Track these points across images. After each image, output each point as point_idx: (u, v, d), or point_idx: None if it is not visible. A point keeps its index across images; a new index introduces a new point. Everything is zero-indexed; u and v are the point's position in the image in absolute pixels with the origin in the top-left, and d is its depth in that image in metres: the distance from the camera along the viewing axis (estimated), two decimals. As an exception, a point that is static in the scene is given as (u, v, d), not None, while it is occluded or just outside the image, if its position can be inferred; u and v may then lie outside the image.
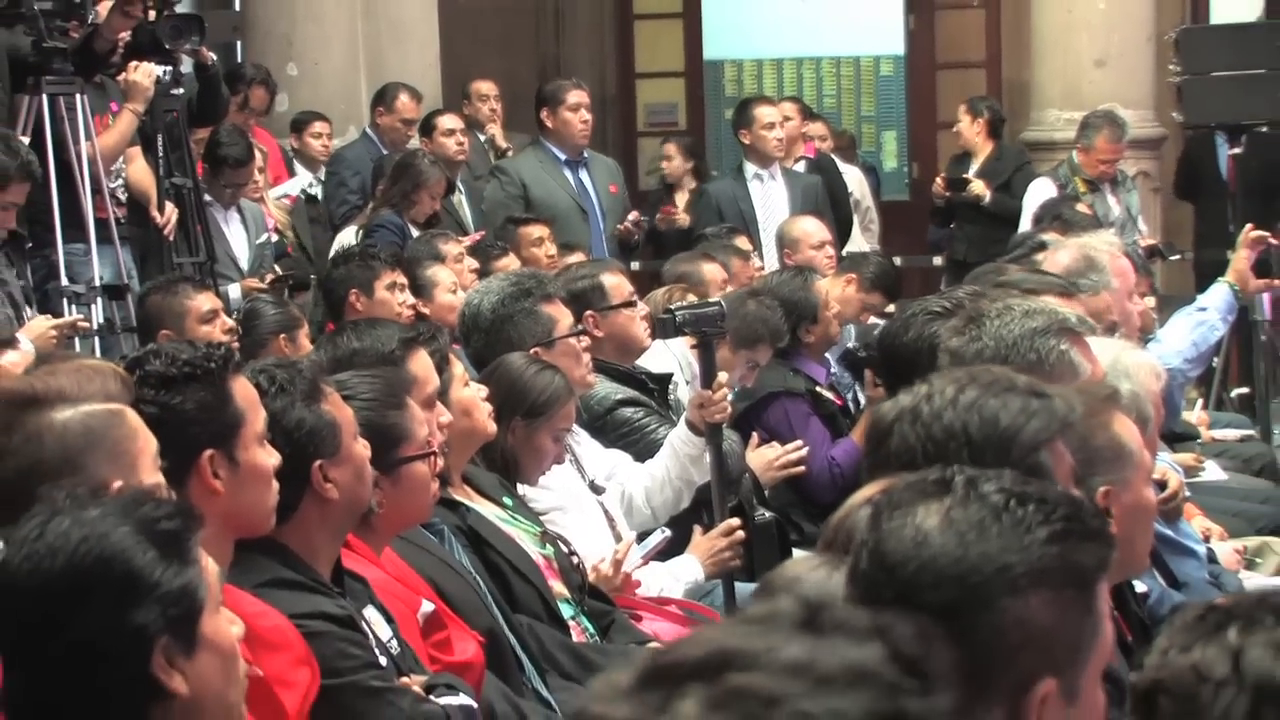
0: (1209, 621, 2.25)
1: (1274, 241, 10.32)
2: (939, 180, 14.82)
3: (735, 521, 7.39)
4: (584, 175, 13.01)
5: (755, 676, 1.62)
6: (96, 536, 3.27)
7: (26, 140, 8.76)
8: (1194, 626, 2.27)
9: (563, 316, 7.64)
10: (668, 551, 7.45)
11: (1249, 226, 10.23)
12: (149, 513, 3.33)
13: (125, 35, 9.96)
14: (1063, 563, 2.79)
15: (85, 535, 3.27)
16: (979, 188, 14.64)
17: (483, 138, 14.41)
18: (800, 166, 14.02)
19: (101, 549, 3.26)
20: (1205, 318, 9.31)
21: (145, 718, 3.28)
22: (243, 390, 4.61)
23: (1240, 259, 9.76)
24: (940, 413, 3.63)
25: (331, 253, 11.89)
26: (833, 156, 15.11)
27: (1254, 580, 7.11)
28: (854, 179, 15.32)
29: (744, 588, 7.17)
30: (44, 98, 8.91)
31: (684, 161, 14.87)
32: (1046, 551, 2.78)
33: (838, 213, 13.60)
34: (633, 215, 13.32)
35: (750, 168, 13.65)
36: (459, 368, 6.56)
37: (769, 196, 13.40)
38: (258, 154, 12.22)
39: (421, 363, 6.05)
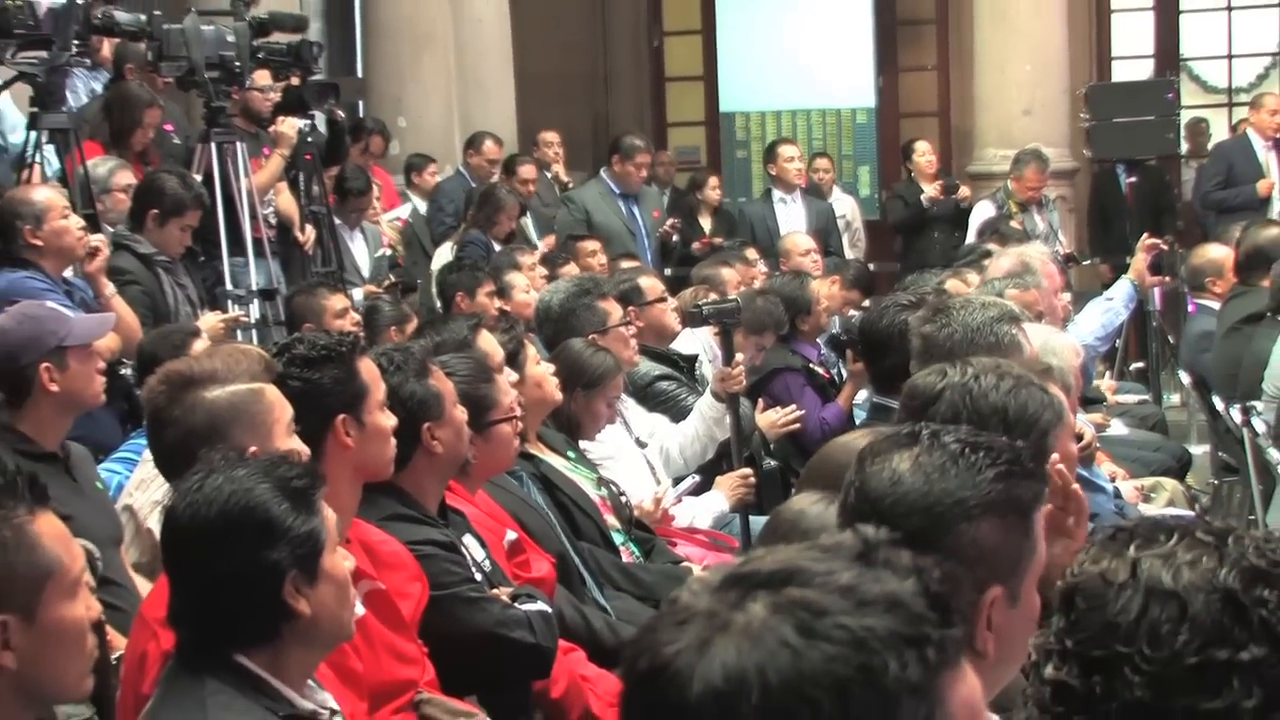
0: (1117, 540, 2.25)
1: (1164, 247, 10.34)
2: (937, 185, 14.89)
3: (749, 470, 7.40)
4: (634, 205, 13.10)
5: (811, 592, 1.62)
6: (243, 491, 3.29)
7: (199, 178, 8.78)
8: (1105, 544, 2.27)
9: (614, 310, 7.64)
10: (696, 493, 7.47)
11: (1145, 235, 10.24)
12: (284, 474, 3.35)
13: (276, 96, 10.00)
14: (1006, 496, 2.79)
15: (234, 490, 3.29)
16: (966, 191, 14.84)
17: (549, 174, 14.42)
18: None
19: (246, 501, 3.28)
20: (1111, 306, 9.37)
21: (278, 632, 3.30)
22: (367, 368, 4.61)
23: (1139, 260, 9.78)
24: (987, 392, 3.63)
25: (432, 265, 11.95)
26: (820, 186, 15.15)
27: (1150, 510, 7.08)
28: (848, 205, 15.39)
29: (756, 519, 7.17)
30: (213, 146, 8.92)
31: (720, 194, 14.91)
32: (994, 488, 2.77)
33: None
34: (671, 221, 13.51)
35: (776, 193, 13.93)
36: (532, 350, 6.56)
37: (790, 215, 13.53)
38: (374, 187, 12.24)
39: (487, 340, 6.07)
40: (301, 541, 3.30)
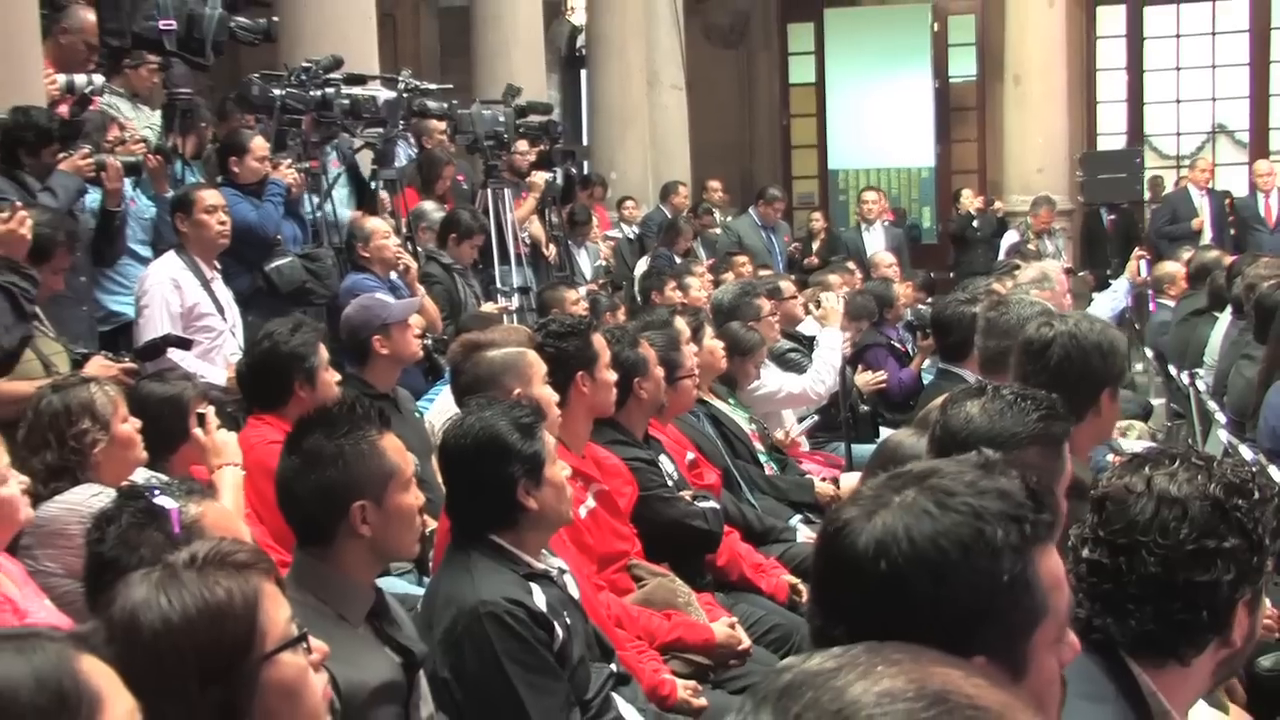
0: (1134, 462, 2.22)
1: (1149, 257, 10.40)
2: (980, 199, 15.24)
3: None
4: (771, 233, 13.14)
5: (946, 481, 1.64)
6: (487, 426, 3.34)
7: (481, 211, 8.88)
8: (1125, 465, 2.24)
9: (766, 305, 7.54)
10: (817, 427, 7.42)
11: (1136, 249, 10.26)
12: (516, 414, 3.39)
13: (531, 157, 10.07)
14: (1046, 431, 2.73)
15: (482, 426, 3.34)
16: (999, 205, 15.34)
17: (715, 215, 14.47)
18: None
19: (490, 433, 3.33)
20: (1116, 295, 9.52)
21: (516, 520, 3.35)
22: (598, 340, 4.62)
23: (1132, 265, 9.92)
24: (1087, 334, 3.60)
25: (635, 271, 12.01)
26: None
27: (1129, 444, 6.88)
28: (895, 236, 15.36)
29: (857, 448, 7.11)
30: (489, 191, 8.98)
31: (823, 224, 14.81)
32: (1037, 425, 2.72)
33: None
34: (795, 244, 13.81)
35: (864, 224, 13.73)
36: (709, 329, 6.51)
37: (875, 239, 13.38)
38: (594, 219, 12.29)
39: (679, 323, 6.02)
40: (528, 459, 3.33)
